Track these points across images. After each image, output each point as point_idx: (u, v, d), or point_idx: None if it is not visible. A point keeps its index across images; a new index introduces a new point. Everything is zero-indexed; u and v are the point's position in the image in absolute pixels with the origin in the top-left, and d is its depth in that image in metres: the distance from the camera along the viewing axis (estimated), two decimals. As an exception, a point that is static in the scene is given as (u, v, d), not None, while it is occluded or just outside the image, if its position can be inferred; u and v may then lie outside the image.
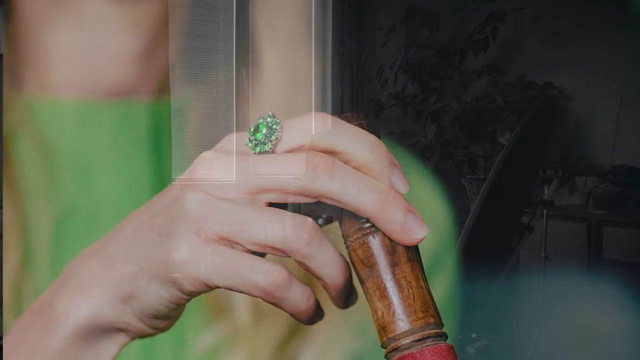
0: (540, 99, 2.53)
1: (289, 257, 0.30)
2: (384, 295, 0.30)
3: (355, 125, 0.31)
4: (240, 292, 0.29)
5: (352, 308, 0.33)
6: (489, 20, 2.95)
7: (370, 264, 0.30)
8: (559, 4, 2.97)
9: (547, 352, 2.23)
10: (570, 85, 3.00)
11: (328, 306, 0.32)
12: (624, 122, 2.75)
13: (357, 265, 0.30)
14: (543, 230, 2.29)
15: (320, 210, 0.32)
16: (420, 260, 0.31)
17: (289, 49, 0.35)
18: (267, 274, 0.29)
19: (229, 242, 0.29)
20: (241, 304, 0.40)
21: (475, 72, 3.19)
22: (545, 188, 2.33)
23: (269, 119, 0.30)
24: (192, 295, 0.30)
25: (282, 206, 0.30)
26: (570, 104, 3.03)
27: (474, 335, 2.20)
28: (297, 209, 0.31)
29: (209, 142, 0.31)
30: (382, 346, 0.30)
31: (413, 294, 0.29)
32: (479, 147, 2.96)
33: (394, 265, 0.30)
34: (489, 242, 1.96)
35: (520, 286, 2.71)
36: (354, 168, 0.30)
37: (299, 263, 0.30)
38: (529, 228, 2.08)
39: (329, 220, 0.32)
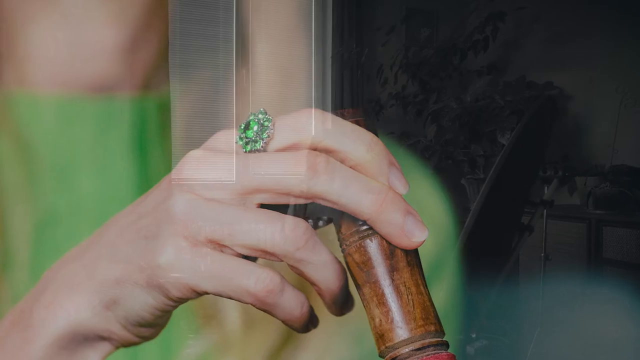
0: (540, 98, 2.52)
1: (282, 261, 0.28)
2: (382, 301, 0.28)
3: (352, 122, 0.29)
4: (230, 298, 0.28)
5: (348, 315, 0.31)
6: (489, 20, 2.94)
7: (368, 269, 0.28)
8: (559, 3, 2.96)
9: (547, 351, 2.22)
10: (570, 85, 2.99)
11: (323, 313, 0.31)
12: (624, 122, 2.75)
13: (353, 270, 0.29)
14: (543, 230, 2.29)
15: (321, 212, 0.30)
16: (420, 265, 0.29)
17: (283, 47, 0.34)
18: (258, 279, 0.27)
19: (218, 246, 0.28)
20: (231, 310, 0.39)
21: (475, 72, 3.18)
22: (545, 188, 2.33)
23: (260, 116, 0.29)
24: (179, 301, 0.28)
25: (277, 207, 0.29)
26: (570, 104, 3.03)
27: (473, 335, 2.19)
28: (299, 209, 0.30)
29: (203, 140, 0.29)
30: (380, 355, 0.28)
31: (412, 301, 0.28)
32: (479, 147, 2.95)
33: (392, 270, 0.28)
34: (489, 242, 1.95)
35: (520, 286, 2.70)
36: (350, 167, 0.28)
37: (292, 267, 0.28)
38: (529, 228, 2.07)
39: (330, 222, 0.31)
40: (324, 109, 0.30)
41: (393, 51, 3.20)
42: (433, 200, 0.44)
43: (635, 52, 2.67)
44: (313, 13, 0.31)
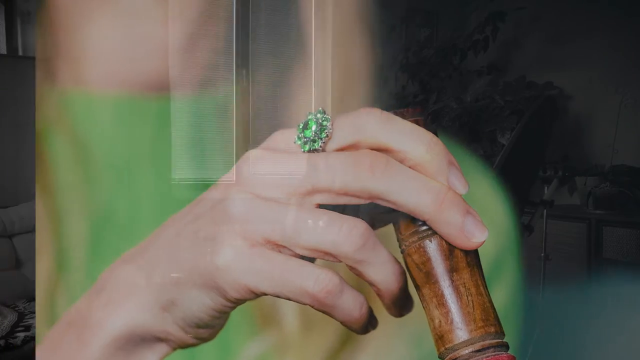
0: (540, 98, 2.53)
1: (341, 262, 0.28)
2: (441, 302, 0.28)
3: (411, 121, 0.29)
4: (289, 299, 0.28)
5: (407, 316, 0.31)
6: (489, 20, 2.95)
7: (427, 270, 0.28)
8: (559, 3, 2.97)
9: (547, 351, 2.22)
10: (570, 85, 3.00)
11: (382, 314, 0.31)
12: (624, 122, 2.75)
13: (412, 271, 0.29)
14: (543, 230, 2.29)
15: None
16: (480, 266, 0.29)
17: (341, 47, 0.34)
18: (317, 280, 0.27)
19: (277, 246, 0.27)
20: (289, 312, 0.38)
21: (475, 72, 3.18)
22: (545, 188, 2.33)
23: (319, 115, 0.28)
24: (237, 302, 0.28)
25: (334, 208, 0.28)
26: (570, 103, 3.03)
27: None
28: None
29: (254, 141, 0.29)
30: (439, 357, 0.28)
31: (472, 302, 0.28)
32: (479, 147, 2.96)
33: (452, 270, 0.28)
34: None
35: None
36: (409, 167, 0.28)
37: (351, 268, 0.28)
38: (529, 228, 2.08)
39: None
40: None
41: (393, 51, 3.20)
42: (493, 201, 0.44)
43: (635, 52, 2.68)
44: (313, 14, 0.31)
